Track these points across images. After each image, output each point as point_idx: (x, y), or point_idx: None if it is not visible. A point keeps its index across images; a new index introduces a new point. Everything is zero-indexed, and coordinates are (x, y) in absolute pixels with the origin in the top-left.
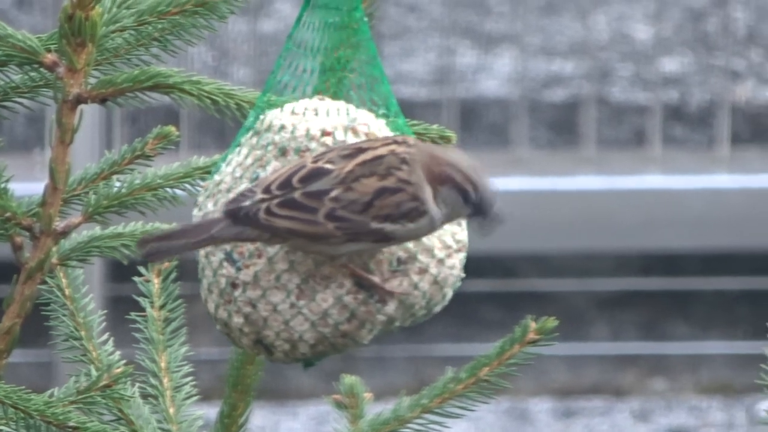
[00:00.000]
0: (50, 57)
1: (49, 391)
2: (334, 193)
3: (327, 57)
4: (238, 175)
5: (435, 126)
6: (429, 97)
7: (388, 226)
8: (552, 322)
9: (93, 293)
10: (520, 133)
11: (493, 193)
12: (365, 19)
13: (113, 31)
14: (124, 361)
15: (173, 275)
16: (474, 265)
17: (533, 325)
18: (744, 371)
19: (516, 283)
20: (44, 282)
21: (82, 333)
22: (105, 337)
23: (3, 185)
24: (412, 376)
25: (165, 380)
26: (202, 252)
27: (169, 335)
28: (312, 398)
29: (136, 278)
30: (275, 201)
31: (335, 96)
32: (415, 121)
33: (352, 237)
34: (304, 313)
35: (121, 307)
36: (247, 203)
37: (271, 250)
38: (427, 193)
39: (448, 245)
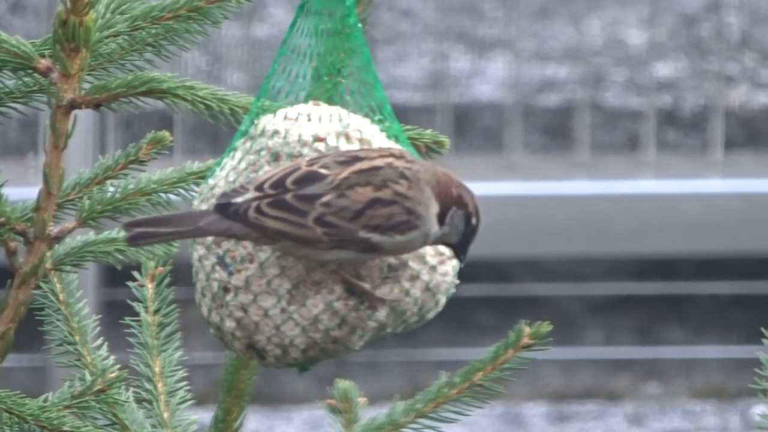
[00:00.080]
0: (44, 62)
1: (43, 396)
2: (325, 198)
3: (321, 63)
4: (231, 179)
5: (429, 131)
6: (423, 102)
7: (376, 237)
8: (546, 327)
9: (87, 298)
10: (514, 138)
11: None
12: (359, 24)
13: (107, 37)
14: (118, 366)
15: (167, 280)
16: (468, 270)
17: (527, 329)
18: (738, 375)
19: (510, 287)
20: (38, 287)
21: (77, 338)
22: (99, 341)
23: None
24: (407, 380)
25: (159, 385)
26: (195, 255)
27: (163, 340)
28: (306, 403)
29: (130, 283)
30: (266, 200)
31: (330, 102)
32: (408, 126)
33: (339, 244)
34: (294, 318)
35: (116, 312)
36: (237, 200)
37: (263, 255)
38: (431, 209)
39: (440, 252)
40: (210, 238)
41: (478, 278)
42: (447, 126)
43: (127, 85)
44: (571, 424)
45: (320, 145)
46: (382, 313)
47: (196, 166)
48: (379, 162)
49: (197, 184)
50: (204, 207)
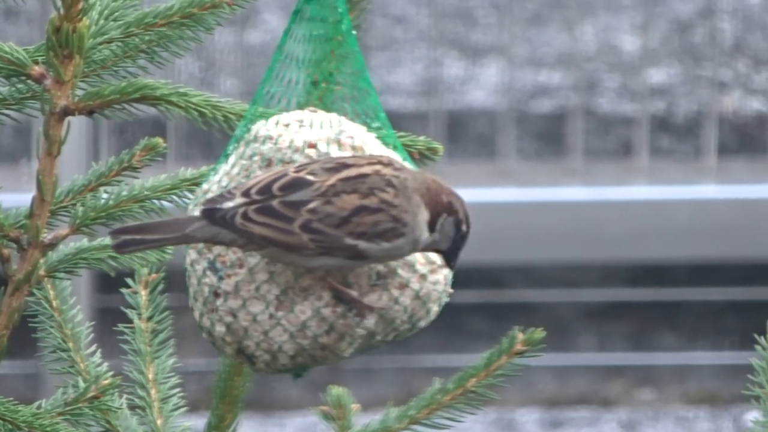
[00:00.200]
0: (37, 69)
1: (36, 403)
2: (312, 205)
3: (314, 69)
4: (224, 184)
5: (422, 137)
6: (416, 108)
7: (362, 244)
8: (539, 333)
9: (80, 305)
10: (508, 144)
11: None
12: (353, 31)
13: (100, 43)
14: (111, 373)
15: (161, 287)
16: (461, 276)
17: (520, 336)
18: (731, 381)
19: (503, 294)
20: (32, 294)
21: (70, 344)
22: (92, 348)
23: None
24: (400, 387)
25: (152, 391)
26: (187, 260)
27: (156, 346)
28: (299, 409)
29: (123, 290)
30: (253, 206)
31: (324, 108)
32: (402, 133)
33: (326, 251)
34: (282, 324)
35: (109, 319)
36: (224, 205)
37: (252, 260)
38: (420, 217)
39: (431, 261)
40: (201, 243)
41: (472, 284)
42: (440, 132)
43: (120, 91)
44: (565, 430)
45: (312, 152)
46: (370, 321)
47: (189, 172)
48: (366, 169)
49: (190, 191)
50: (197, 211)
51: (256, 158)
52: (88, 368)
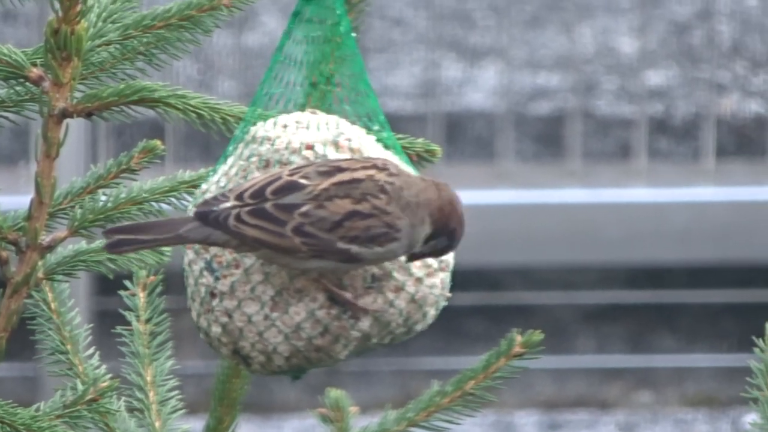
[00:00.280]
0: (36, 71)
1: (35, 405)
2: (304, 209)
3: (312, 71)
4: (222, 184)
5: (420, 139)
6: (414, 110)
7: (355, 248)
8: (538, 335)
9: (79, 307)
10: (506, 146)
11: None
12: (352, 33)
13: (99, 45)
14: (110, 375)
15: (159, 289)
16: (460, 279)
17: (519, 338)
18: (729, 384)
19: (502, 296)
20: (30, 296)
21: (68, 347)
22: (91, 350)
23: None
24: (398, 389)
25: (151, 394)
26: (185, 260)
27: (155, 349)
28: (297, 412)
29: (122, 292)
30: (246, 209)
31: (322, 110)
32: (400, 135)
33: (318, 254)
34: (277, 325)
35: (107, 321)
36: (218, 207)
37: (248, 261)
38: (420, 229)
39: (428, 264)
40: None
41: (470, 287)
42: (438, 134)
43: (118, 93)
44: None
45: (309, 153)
46: (365, 323)
47: (187, 175)
48: (360, 174)
49: (189, 193)
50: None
51: (254, 159)
52: (86, 370)
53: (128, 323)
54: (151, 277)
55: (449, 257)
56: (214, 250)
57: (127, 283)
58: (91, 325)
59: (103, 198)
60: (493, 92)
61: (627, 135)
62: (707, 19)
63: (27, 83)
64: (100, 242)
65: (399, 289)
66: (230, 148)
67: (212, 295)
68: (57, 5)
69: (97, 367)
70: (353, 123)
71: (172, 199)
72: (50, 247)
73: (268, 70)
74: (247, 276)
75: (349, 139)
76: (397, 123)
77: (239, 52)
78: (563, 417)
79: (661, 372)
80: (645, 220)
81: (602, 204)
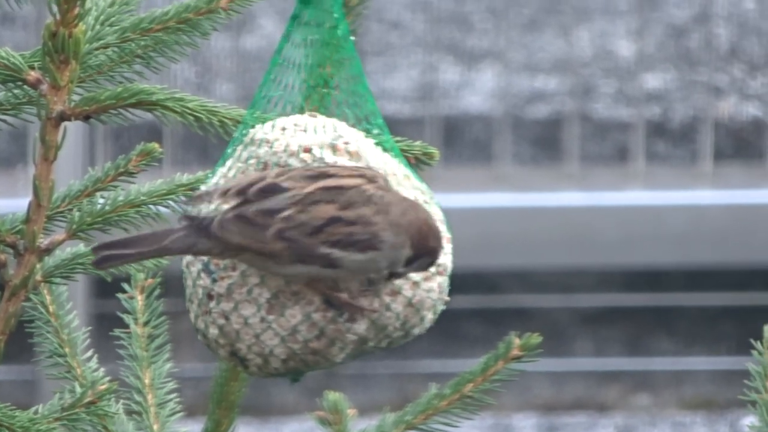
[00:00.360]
0: (34, 74)
1: (33, 408)
2: (285, 213)
3: (310, 74)
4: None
5: (418, 142)
6: (412, 113)
7: (336, 253)
8: (536, 338)
9: (77, 310)
10: (503, 150)
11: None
12: (351, 36)
13: (96, 48)
14: (108, 378)
15: (157, 292)
16: (458, 281)
17: (517, 341)
18: (727, 387)
19: (500, 299)
20: (28, 299)
21: (66, 350)
22: (89, 353)
23: None
24: (396, 392)
25: (149, 397)
26: (184, 262)
27: (153, 352)
28: (296, 414)
29: (120, 295)
30: (228, 214)
31: (325, 113)
32: (398, 138)
33: (299, 259)
34: (273, 327)
35: (105, 324)
36: (203, 208)
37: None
38: (402, 251)
39: None
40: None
41: (468, 290)
42: (436, 137)
43: (116, 96)
44: None
45: (306, 156)
46: (361, 327)
47: (185, 178)
48: (347, 182)
49: (187, 196)
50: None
51: (252, 161)
52: (84, 373)
53: (126, 326)
54: (150, 280)
55: (447, 261)
56: None
57: (125, 286)
58: (90, 327)
59: (101, 201)
60: (491, 95)
61: (625, 138)
62: (705, 23)
63: (25, 86)
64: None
65: (395, 292)
66: (229, 150)
67: (209, 296)
68: (55, 8)
69: (96, 370)
70: (353, 126)
71: (170, 202)
72: (48, 250)
73: (267, 73)
74: (243, 278)
75: (348, 143)
76: (394, 126)
77: (237, 55)
78: (561, 420)
79: (659, 375)
80: (643, 223)
81: (600, 207)
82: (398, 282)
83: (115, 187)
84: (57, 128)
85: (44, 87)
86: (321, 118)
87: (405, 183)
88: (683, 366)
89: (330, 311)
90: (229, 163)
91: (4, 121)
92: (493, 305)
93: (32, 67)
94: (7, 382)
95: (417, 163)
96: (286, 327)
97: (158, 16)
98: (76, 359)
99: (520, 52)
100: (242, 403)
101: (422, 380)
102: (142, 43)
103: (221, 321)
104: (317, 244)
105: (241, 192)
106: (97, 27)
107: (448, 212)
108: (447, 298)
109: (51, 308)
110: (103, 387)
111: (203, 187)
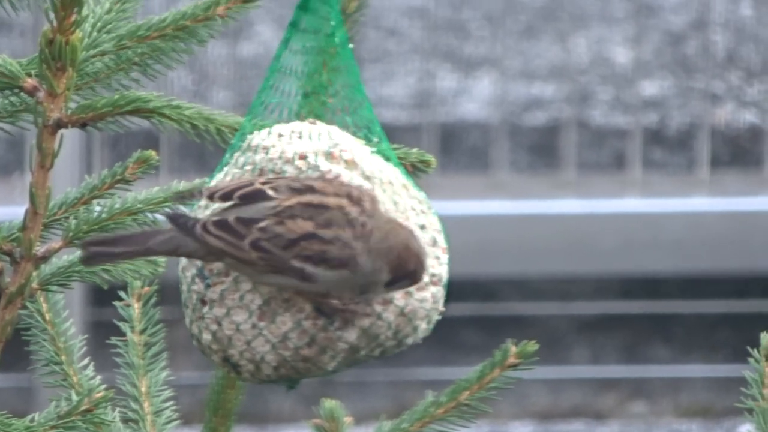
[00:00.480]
0: (30, 81)
1: (30, 416)
2: (263, 224)
3: (308, 81)
4: None
5: (415, 150)
6: (409, 120)
7: (309, 268)
8: (532, 346)
9: (73, 318)
10: (500, 157)
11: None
12: (348, 44)
13: (93, 56)
14: (104, 386)
15: (154, 300)
16: (454, 289)
17: (513, 348)
18: (724, 394)
19: (496, 306)
20: (25, 307)
21: (63, 357)
22: (86, 361)
23: None
24: (393, 400)
25: (146, 404)
26: (180, 266)
27: (149, 360)
28: (292, 422)
29: (116, 303)
30: (211, 219)
31: (324, 121)
32: (395, 145)
33: (275, 270)
34: (264, 334)
35: (102, 332)
36: (187, 213)
37: None
38: (380, 276)
39: None
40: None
41: (464, 297)
42: (433, 145)
43: (113, 104)
44: None
45: (302, 163)
46: (352, 335)
47: (182, 185)
48: (330, 201)
49: (183, 204)
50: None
51: (248, 167)
52: (81, 381)
53: (123, 334)
54: (146, 288)
55: (442, 271)
56: None
57: (121, 293)
58: (86, 335)
59: (98, 208)
60: (488, 102)
61: (622, 145)
62: (702, 29)
63: (22, 93)
64: None
65: (387, 301)
66: (227, 156)
67: (203, 302)
68: (52, 15)
69: (92, 378)
70: (354, 134)
71: (167, 210)
72: (45, 258)
73: (265, 80)
74: (236, 284)
75: (344, 150)
76: (392, 133)
77: (234, 63)
78: (558, 428)
79: (655, 382)
80: (639, 230)
81: (597, 214)
82: None
83: (112, 194)
84: (54, 136)
85: (41, 94)
86: (320, 126)
87: (402, 192)
88: (680, 373)
89: (320, 319)
90: (226, 169)
91: (1, 128)
92: (489, 313)
93: (29, 75)
94: (3, 390)
95: (414, 170)
96: (277, 334)
97: (155, 24)
98: (73, 367)
99: (517, 59)
100: (239, 410)
101: (419, 388)
102: (139, 50)
103: (214, 327)
104: (290, 257)
105: (227, 196)
106: (94, 34)
107: (444, 220)
108: (442, 309)
109: (47, 316)
110: (100, 395)
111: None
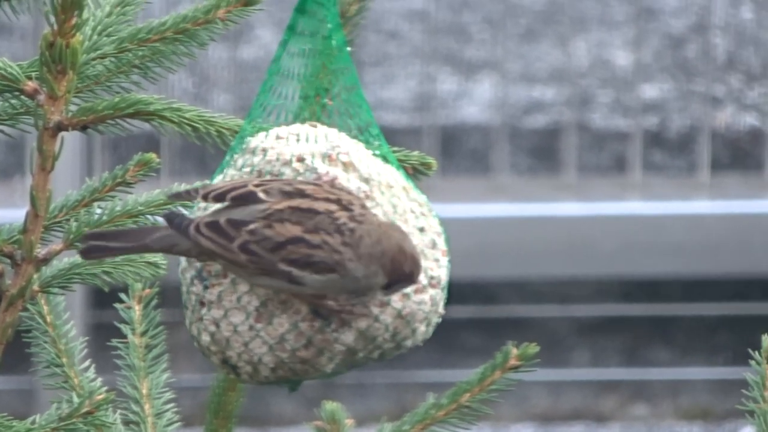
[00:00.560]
0: (31, 84)
1: (31, 418)
2: (252, 226)
3: (307, 83)
4: None
5: (416, 152)
6: (410, 123)
7: (296, 272)
8: (533, 348)
9: (74, 320)
10: (501, 160)
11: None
12: (347, 47)
13: (94, 59)
14: (105, 388)
15: (154, 302)
16: (455, 292)
17: (514, 351)
18: (725, 397)
19: (497, 309)
20: (26, 309)
21: (64, 360)
22: (86, 363)
23: None
24: (394, 402)
25: (146, 407)
26: (179, 268)
27: (150, 362)
28: (294, 425)
29: (117, 305)
30: (204, 220)
31: (326, 123)
32: (395, 148)
33: (264, 272)
34: (261, 336)
35: (103, 334)
36: (183, 213)
37: None
38: (376, 280)
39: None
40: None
41: (465, 300)
42: (434, 147)
43: (113, 107)
44: None
45: (299, 165)
46: (349, 337)
47: (183, 187)
48: (319, 206)
49: (184, 206)
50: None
51: (246, 169)
52: (82, 383)
53: (124, 336)
54: (147, 290)
55: (441, 274)
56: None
57: (122, 296)
58: (87, 338)
59: (99, 211)
60: (488, 105)
61: (622, 148)
62: (702, 33)
63: (22, 96)
64: None
65: (384, 304)
66: (227, 158)
67: (201, 303)
68: (52, 19)
69: (93, 380)
70: (355, 137)
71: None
72: (46, 260)
73: (264, 83)
74: (233, 286)
75: (343, 153)
76: (392, 136)
77: (234, 66)
78: (559, 430)
79: (656, 385)
80: (640, 233)
81: (597, 217)
82: None
83: (113, 197)
84: (54, 138)
85: (41, 97)
86: (321, 128)
87: (401, 195)
88: (681, 376)
89: (317, 321)
90: (226, 170)
91: (2, 131)
92: (490, 315)
93: (29, 78)
94: (4, 392)
95: (414, 173)
96: (274, 335)
97: (156, 27)
98: (74, 369)
99: (517, 62)
100: (240, 413)
101: (420, 390)
102: (140, 53)
103: (212, 328)
104: (277, 260)
105: (221, 196)
106: (95, 37)
107: (445, 222)
108: (441, 311)
109: (48, 318)
110: (101, 397)
111: None
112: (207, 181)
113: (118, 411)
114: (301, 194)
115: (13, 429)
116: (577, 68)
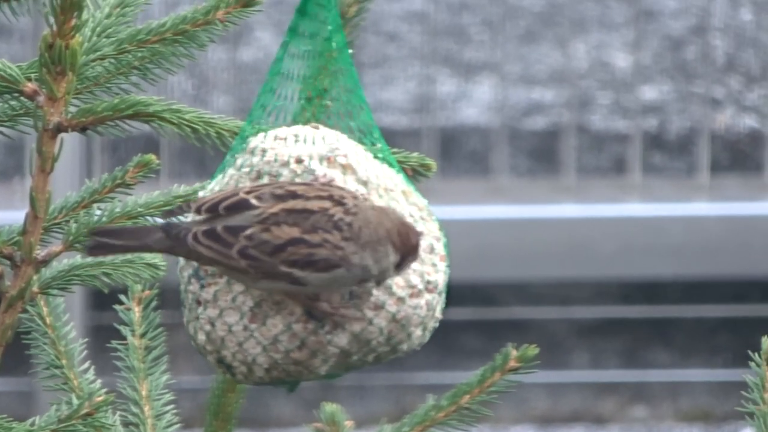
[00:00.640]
0: (30, 86)
1: (30, 420)
2: (249, 231)
3: (307, 85)
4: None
5: (415, 154)
6: (409, 125)
7: (297, 272)
8: (533, 350)
9: (74, 322)
10: (500, 161)
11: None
12: (347, 48)
13: (93, 60)
14: (105, 390)
15: (154, 303)
16: (454, 294)
17: (514, 352)
18: (724, 399)
19: (497, 311)
20: (25, 310)
21: (63, 361)
22: (86, 365)
23: None
24: (393, 404)
25: (146, 408)
26: (177, 267)
27: (150, 363)
28: (293, 426)
29: (117, 306)
30: (201, 228)
31: (326, 125)
32: (395, 150)
33: (265, 275)
34: (255, 336)
35: (102, 336)
36: (182, 218)
37: None
38: (389, 259)
39: (412, 285)
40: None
41: (465, 302)
42: (433, 149)
43: (113, 108)
44: None
45: (297, 167)
46: (342, 339)
47: (182, 189)
48: (312, 205)
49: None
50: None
51: (245, 170)
52: (81, 385)
53: (123, 338)
54: (147, 292)
55: (438, 279)
56: None
57: (122, 297)
58: (86, 339)
59: (98, 212)
60: (488, 107)
61: (621, 150)
62: (702, 34)
63: (22, 98)
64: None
65: (378, 307)
66: (228, 158)
67: (198, 302)
68: (52, 20)
69: (92, 382)
70: (358, 138)
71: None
72: (45, 262)
73: (265, 84)
74: (229, 286)
75: (342, 155)
76: (391, 138)
77: (234, 67)
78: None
79: (656, 387)
80: (639, 235)
81: (597, 219)
82: (381, 297)
83: (112, 198)
84: (54, 140)
85: (41, 98)
86: (322, 130)
87: (400, 199)
88: (680, 378)
89: (311, 323)
90: (226, 171)
91: (1, 132)
92: (490, 317)
93: (29, 79)
94: (4, 394)
95: (414, 174)
96: (268, 336)
97: (155, 28)
98: (73, 371)
99: (516, 64)
100: (239, 414)
101: (419, 392)
102: (139, 54)
103: (208, 327)
104: (278, 263)
105: (213, 208)
106: (94, 38)
107: (444, 224)
108: (438, 316)
109: (48, 320)
110: (100, 399)
111: (201, 193)
112: (207, 182)
113: (118, 413)
114: (293, 195)
115: (12, 431)
116: (577, 70)
